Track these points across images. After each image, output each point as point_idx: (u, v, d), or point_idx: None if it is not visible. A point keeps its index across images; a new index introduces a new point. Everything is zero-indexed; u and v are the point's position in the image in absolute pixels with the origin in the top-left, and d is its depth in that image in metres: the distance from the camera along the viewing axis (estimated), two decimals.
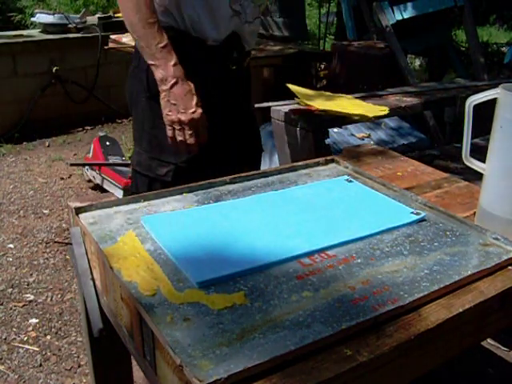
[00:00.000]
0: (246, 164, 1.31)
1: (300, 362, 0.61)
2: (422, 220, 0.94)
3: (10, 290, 2.17)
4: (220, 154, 1.31)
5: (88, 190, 3.15)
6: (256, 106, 2.13)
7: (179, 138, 1.20)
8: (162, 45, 1.16)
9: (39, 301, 2.11)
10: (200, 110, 1.18)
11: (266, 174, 1.13)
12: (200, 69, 1.25)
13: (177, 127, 1.19)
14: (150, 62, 1.17)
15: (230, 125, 1.35)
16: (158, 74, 1.16)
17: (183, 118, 1.17)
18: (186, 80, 1.17)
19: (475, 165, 0.98)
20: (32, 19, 4.75)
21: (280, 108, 1.81)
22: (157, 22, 1.16)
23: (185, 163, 1.28)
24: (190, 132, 1.18)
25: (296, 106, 1.77)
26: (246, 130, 1.44)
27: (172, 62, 1.16)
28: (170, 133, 1.20)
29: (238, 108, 1.39)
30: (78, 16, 4.41)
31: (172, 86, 1.16)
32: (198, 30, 1.25)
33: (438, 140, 3.50)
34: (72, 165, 3.33)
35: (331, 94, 2.04)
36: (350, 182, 1.09)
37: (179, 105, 1.17)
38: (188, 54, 1.21)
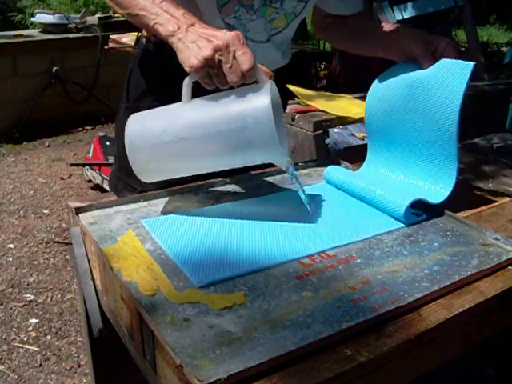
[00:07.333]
0: None
1: (300, 362, 0.61)
2: (422, 220, 0.94)
3: (10, 289, 2.17)
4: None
5: (88, 189, 3.15)
6: None
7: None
8: None
9: (39, 301, 2.11)
10: None
11: (266, 174, 1.13)
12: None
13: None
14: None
15: None
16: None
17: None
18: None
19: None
20: (32, 19, 4.76)
21: None
22: None
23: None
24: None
25: (296, 106, 1.77)
26: None
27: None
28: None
29: None
30: (78, 16, 4.42)
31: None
32: None
33: None
34: (72, 165, 3.33)
35: (331, 94, 2.04)
36: None
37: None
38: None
